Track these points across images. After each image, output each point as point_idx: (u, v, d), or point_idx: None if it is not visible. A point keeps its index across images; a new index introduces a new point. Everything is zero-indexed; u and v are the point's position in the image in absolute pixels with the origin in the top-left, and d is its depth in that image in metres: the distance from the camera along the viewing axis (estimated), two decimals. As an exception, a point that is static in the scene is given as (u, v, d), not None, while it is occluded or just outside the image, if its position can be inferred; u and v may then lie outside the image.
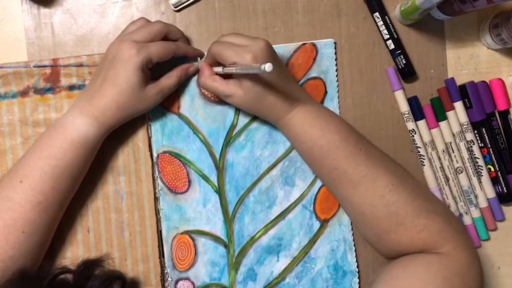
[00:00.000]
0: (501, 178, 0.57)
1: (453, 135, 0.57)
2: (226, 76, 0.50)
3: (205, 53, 0.54)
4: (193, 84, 0.54)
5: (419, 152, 0.56)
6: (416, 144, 0.56)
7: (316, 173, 0.54)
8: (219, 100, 0.54)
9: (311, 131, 0.49)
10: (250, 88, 0.47)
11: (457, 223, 0.49)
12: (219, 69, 0.49)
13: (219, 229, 0.55)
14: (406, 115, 0.56)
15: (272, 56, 0.48)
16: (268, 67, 0.39)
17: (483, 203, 0.57)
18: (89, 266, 0.44)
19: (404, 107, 0.56)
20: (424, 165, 0.57)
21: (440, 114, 0.56)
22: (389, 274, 0.46)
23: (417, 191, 0.48)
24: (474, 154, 0.57)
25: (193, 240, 0.55)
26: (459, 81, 0.57)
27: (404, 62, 0.56)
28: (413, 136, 0.56)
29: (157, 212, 0.54)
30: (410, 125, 0.56)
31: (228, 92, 0.49)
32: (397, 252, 0.48)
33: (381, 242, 0.49)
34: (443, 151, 0.57)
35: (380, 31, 0.56)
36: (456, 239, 0.46)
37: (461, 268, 0.45)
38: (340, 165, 0.48)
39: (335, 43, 0.56)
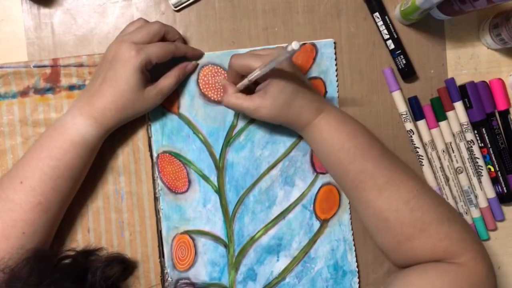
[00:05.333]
0: (501, 178, 0.57)
1: (453, 135, 0.57)
2: (248, 93, 0.50)
3: (205, 53, 0.54)
4: (192, 84, 0.54)
5: (418, 152, 0.56)
6: (415, 144, 0.56)
7: (339, 179, 0.51)
8: (219, 100, 0.54)
9: (339, 135, 0.49)
10: (277, 95, 0.47)
11: (474, 233, 0.48)
12: (244, 81, 0.48)
13: (219, 229, 0.55)
14: (404, 116, 0.56)
15: (291, 62, 0.49)
16: (295, 44, 0.36)
17: (483, 203, 0.57)
18: (91, 250, 0.47)
19: (402, 107, 0.56)
20: (423, 165, 0.57)
21: (440, 114, 0.56)
22: (402, 279, 0.45)
23: (439, 199, 0.48)
24: (474, 154, 0.57)
25: (193, 240, 0.55)
26: (459, 81, 0.57)
27: (404, 62, 0.56)
28: (411, 136, 0.56)
29: (157, 212, 0.54)
30: (409, 125, 0.56)
31: (254, 106, 0.48)
32: (415, 260, 0.46)
33: (401, 250, 0.47)
34: (443, 151, 0.57)
35: (380, 31, 0.56)
36: (475, 249, 0.46)
37: (478, 279, 0.44)
38: (367, 168, 0.47)
39: (335, 43, 0.56)
